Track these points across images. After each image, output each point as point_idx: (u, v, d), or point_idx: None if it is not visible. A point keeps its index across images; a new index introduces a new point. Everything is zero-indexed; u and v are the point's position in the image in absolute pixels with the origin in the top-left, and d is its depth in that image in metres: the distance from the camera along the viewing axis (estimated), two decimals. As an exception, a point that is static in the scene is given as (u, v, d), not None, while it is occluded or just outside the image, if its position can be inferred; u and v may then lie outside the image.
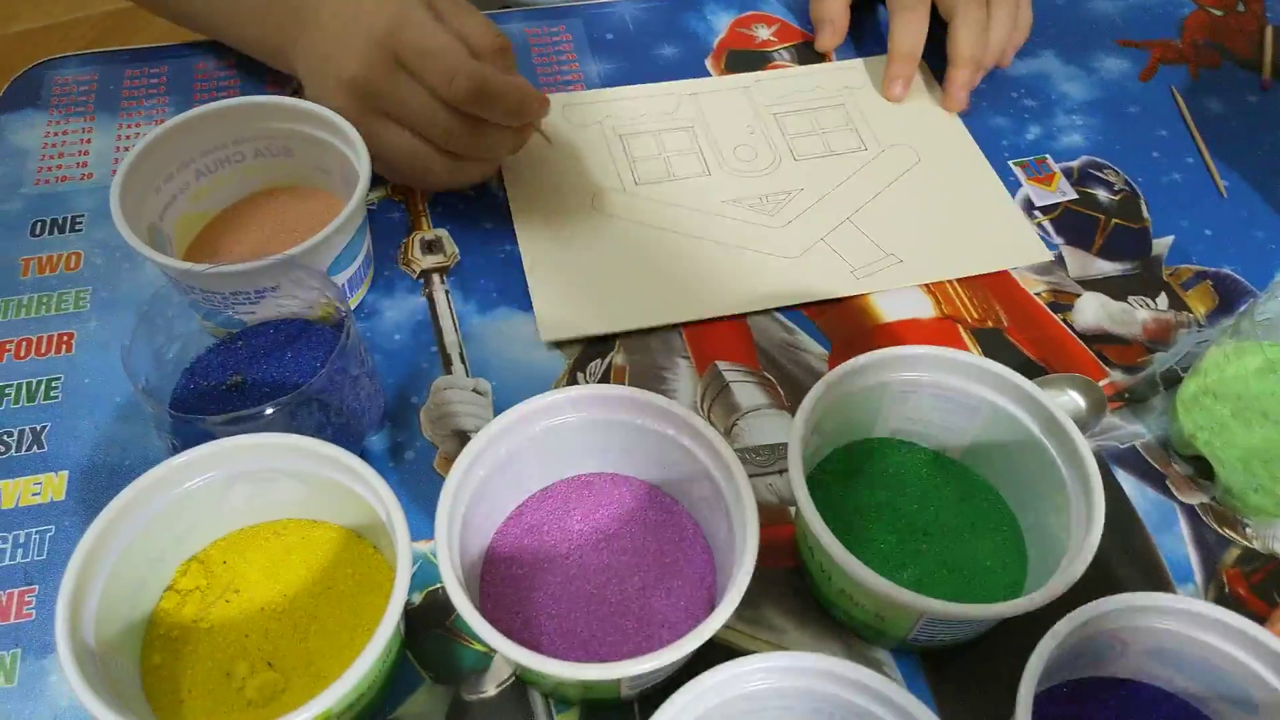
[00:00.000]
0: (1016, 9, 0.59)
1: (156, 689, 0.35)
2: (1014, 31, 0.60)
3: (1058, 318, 0.50)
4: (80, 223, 0.52)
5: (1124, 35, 0.64)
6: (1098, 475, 0.36)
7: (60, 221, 0.52)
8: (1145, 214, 0.55)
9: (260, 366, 0.43)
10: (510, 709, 0.38)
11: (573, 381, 0.47)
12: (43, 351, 0.47)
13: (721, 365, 0.48)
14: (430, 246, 0.52)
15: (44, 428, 0.44)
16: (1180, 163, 0.57)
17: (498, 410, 0.44)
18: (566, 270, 0.50)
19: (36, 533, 0.41)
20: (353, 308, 0.49)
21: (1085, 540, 0.35)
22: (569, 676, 0.32)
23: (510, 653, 0.32)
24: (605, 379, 0.47)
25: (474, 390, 0.46)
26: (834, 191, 0.55)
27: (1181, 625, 0.35)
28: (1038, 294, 0.51)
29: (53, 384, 0.46)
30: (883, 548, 0.40)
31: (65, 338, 0.47)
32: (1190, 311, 0.50)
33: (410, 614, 0.40)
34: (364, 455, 0.43)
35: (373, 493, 0.36)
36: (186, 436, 0.37)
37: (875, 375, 0.40)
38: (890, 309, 0.50)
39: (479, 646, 0.39)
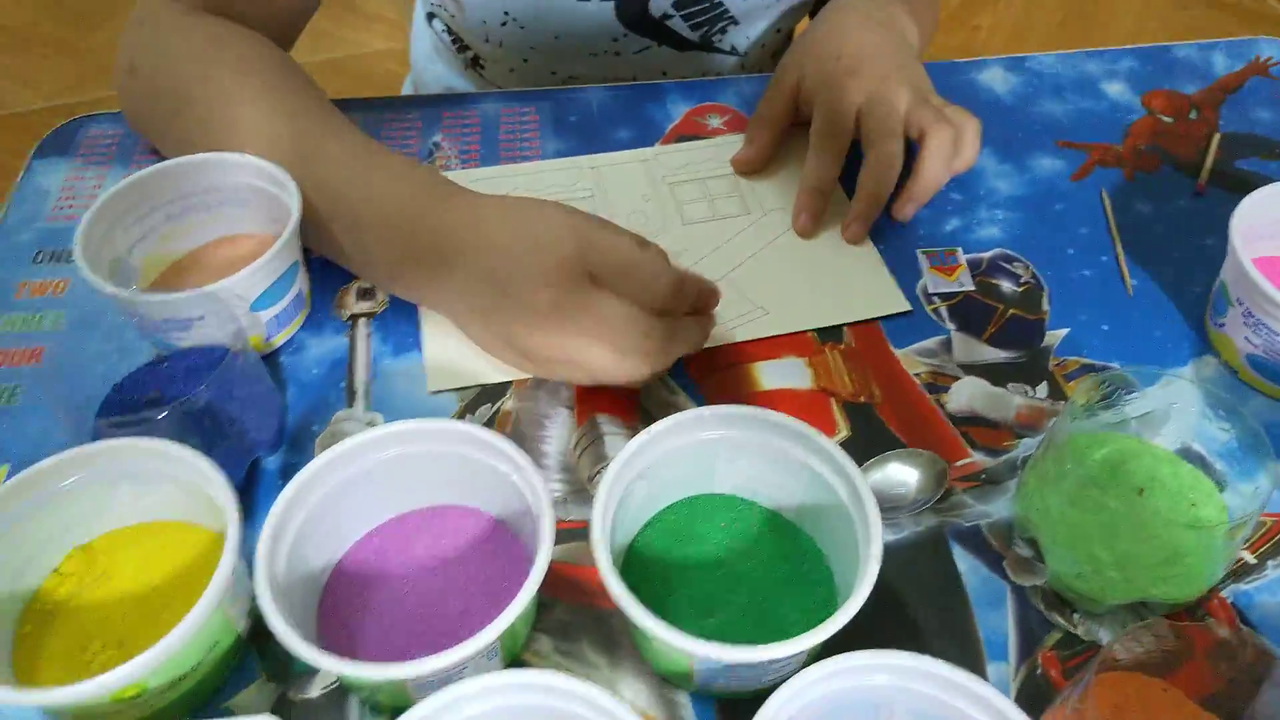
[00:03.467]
0: (945, 144, 0.58)
1: (21, 654, 0.40)
2: (953, 160, 0.59)
3: (931, 398, 0.52)
4: (73, 254, 0.59)
5: (1067, 137, 0.67)
6: (877, 542, 0.38)
7: (59, 253, 0.60)
8: (1045, 306, 0.56)
9: (177, 387, 0.49)
10: (329, 711, 0.41)
11: (457, 422, 0.51)
12: (14, 363, 0.54)
13: (601, 418, 0.51)
14: (365, 294, 0.57)
15: (-2, 427, 0.51)
16: (1093, 260, 0.59)
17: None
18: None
19: (-29, 514, 0.48)
20: (280, 343, 0.54)
21: (850, 601, 0.37)
22: (350, 675, 0.36)
23: (294, 646, 0.36)
24: (491, 423, 0.51)
25: (368, 424, 0.51)
26: (713, 253, 0.59)
27: (937, 690, 0.36)
28: (917, 374, 0.53)
29: (15, 391, 0.53)
30: (695, 594, 0.43)
31: (35, 352, 0.54)
32: (1067, 401, 0.51)
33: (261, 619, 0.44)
34: (255, 471, 0.48)
35: (218, 494, 0.40)
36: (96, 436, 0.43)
37: (695, 432, 0.43)
38: (770, 378, 0.53)
39: (316, 650, 0.43)
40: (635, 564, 0.44)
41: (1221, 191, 0.63)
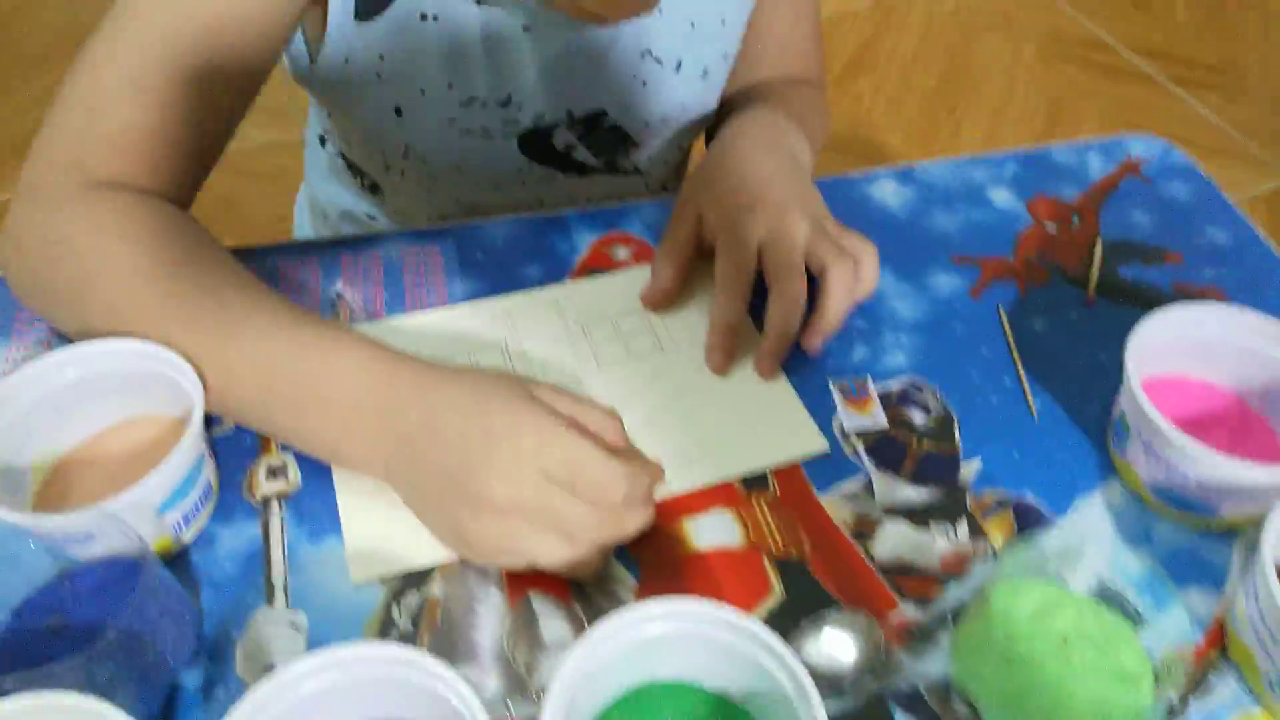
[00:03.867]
0: (846, 277, 0.59)
1: None
2: (852, 297, 0.60)
3: (859, 546, 0.53)
4: (-49, 450, 0.55)
5: (960, 250, 0.69)
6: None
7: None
8: (956, 438, 0.58)
9: (82, 609, 0.46)
10: None
11: (388, 622, 0.49)
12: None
13: (534, 596, 0.50)
14: (274, 473, 0.55)
15: (-121, 664, 0.47)
16: (998, 384, 0.61)
17: (312, 645, 0.47)
18: (381, 498, 0.53)
19: None
20: (189, 539, 0.52)
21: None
22: None
23: None
24: (419, 616, 0.49)
25: (291, 624, 0.49)
26: (632, 395, 0.59)
27: None
28: (844, 521, 0.54)
29: (-104, 617, 0.48)
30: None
31: (-84, 569, 0.50)
32: (988, 541, 0.53)
33: None
34: (175, 693, 0.46)
35: None
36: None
37: (639, 629, 0.43)
38: (702, 534, 0.53)
39: None
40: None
41: (1109, 303, 0.66)
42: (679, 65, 0.73)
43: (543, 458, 0.46)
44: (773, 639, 0.42)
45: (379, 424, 0.49)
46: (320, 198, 0.87)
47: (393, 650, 0.41)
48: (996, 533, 0.53)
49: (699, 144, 0.85)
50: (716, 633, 0.43)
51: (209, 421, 0.55)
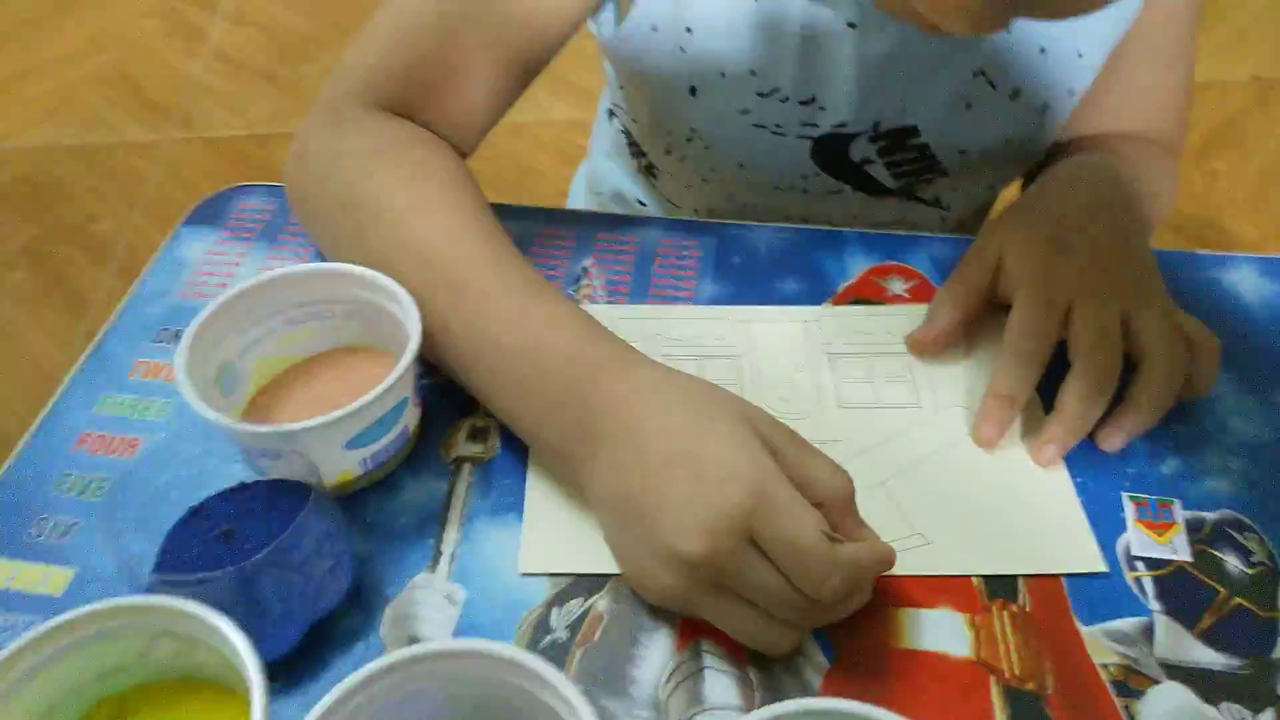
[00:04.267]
0: (1176, 367, 0.49)
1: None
2: (1180, 388, 0.50)
3: (1119, 704, 0.41)
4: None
5: (1331, 373, 0.55)
6: None
7: (181, 333, 0.57)
8: (1282, 600, 0.45)
9: (253, 524, 0.45)
10: None
11: (542, 624, 0.44)
12: (110, 451, 0.51)
13: (705, 646, 0.43)
14: (475, 435, 0.52)
15: (74, 524, 0.48)
16: (1353, 546, 0.47)
17: (463, 625, 0.43)
18: (571, 497, 0.48)
19: (24, 618, 0.44)
20: (371, 482, 0.49)
21: None
22: None
23: None
24: (579, 624, 0.44)
25: (446, 597, 0.45)
26: (871, 449, 0.50)
27: None
28: (1105, 665, 0.42)
29: (102, 483, 0.50)
30: None
31: (132, 443, 0.51)
32: (1305, 746, 0.40)
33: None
34: (316, 633, 0.43)
35: (248, 672, 0.35)
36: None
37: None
38: (920, 633, 0.44)
39: None
40: None
41: None
42: (1015, 93, 0.63)
43: (755, 521, 0.39)
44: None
45: (580, 417, 0.44)
46: (597, 173, 0.85)
47: (519, 656, 0.36)
48: (1319, 740, 0.40)
49: (1013, 189, 0.75)
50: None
51: (428, 369, 0.53)
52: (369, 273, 0.50)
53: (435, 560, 0.47)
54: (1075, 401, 0.49)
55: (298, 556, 0.41)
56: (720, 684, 0.42)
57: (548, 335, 0.46)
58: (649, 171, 0.77)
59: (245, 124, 1.80)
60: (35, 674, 0.37)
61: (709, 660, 0.43)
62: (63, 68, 1.95)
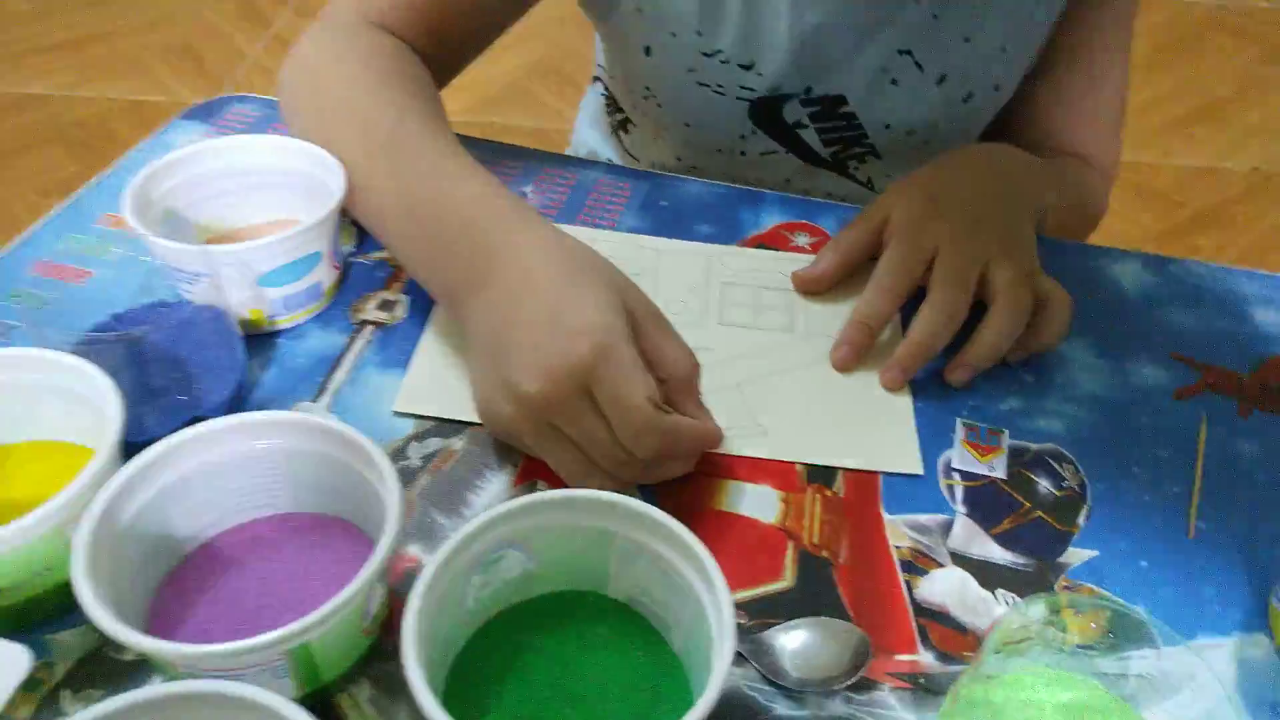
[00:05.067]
0: (1021, 312, 0.53)
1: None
2: (1026, 336, 0.54)
3: (902, 578, 0.45)
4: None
5: (1184, 351, 0.58)
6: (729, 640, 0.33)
7: (150, 198, 0.64)
8: (1079, 522, 0.48)
9: (162, 332, 0.50)
10: (135, 677, 0.39)
11: (400, 452, 0.49)
12: (61, 277, 0.57)
13: (539, 485, 0.48)
14: (385, 305, 0.57)
15: (15, 326, 0.54)
16: (1160, 489, 0.50)
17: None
18: (458, 354, 0.53)
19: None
20: (283, 325, 0.55)
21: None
22: (121, 639, 0.34)
23: (78, 587, 0.34)
24: (432, 457, 0.49)
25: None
26: (735, 358, 0.55)
27: None
28: (898, 547, 0.46)
29: (47, 300, 0.56)
30: (527, 701, 0.38)
31: (82, 273, 0.58)
32: (1062, 633, 0.43)
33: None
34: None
35: (108, 408, 0.40)
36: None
37: (592, 517, 0.39)
38: (737, 501, 0.48)
39: (154, 616, 0.41)
40: (479, 646, 0.40)
41: (1356, 460, 0.52)
42: (941, 79, 0.69)
43: (593, 376, 0.43)
44: (714, 569, 0.36)
45: (471, 260, 0.48)
46: (578, 140, 0.91)
47: (336, 426, 0.41)
48: (1075, 629, 0.43)
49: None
50: (666, 552, 0.38)
51: (363, 246, 0.59)
52: (297, 143, 0.56)
53: (319, 393, 0.52)
54: (921, 330, 0.53)
55: (187, 344, 0.46)
56: (545, 517, 0.46)
57: (459, 186, 0.51)
58: (622, 127, 0.83)
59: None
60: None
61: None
62: (136, 34, 2.10)
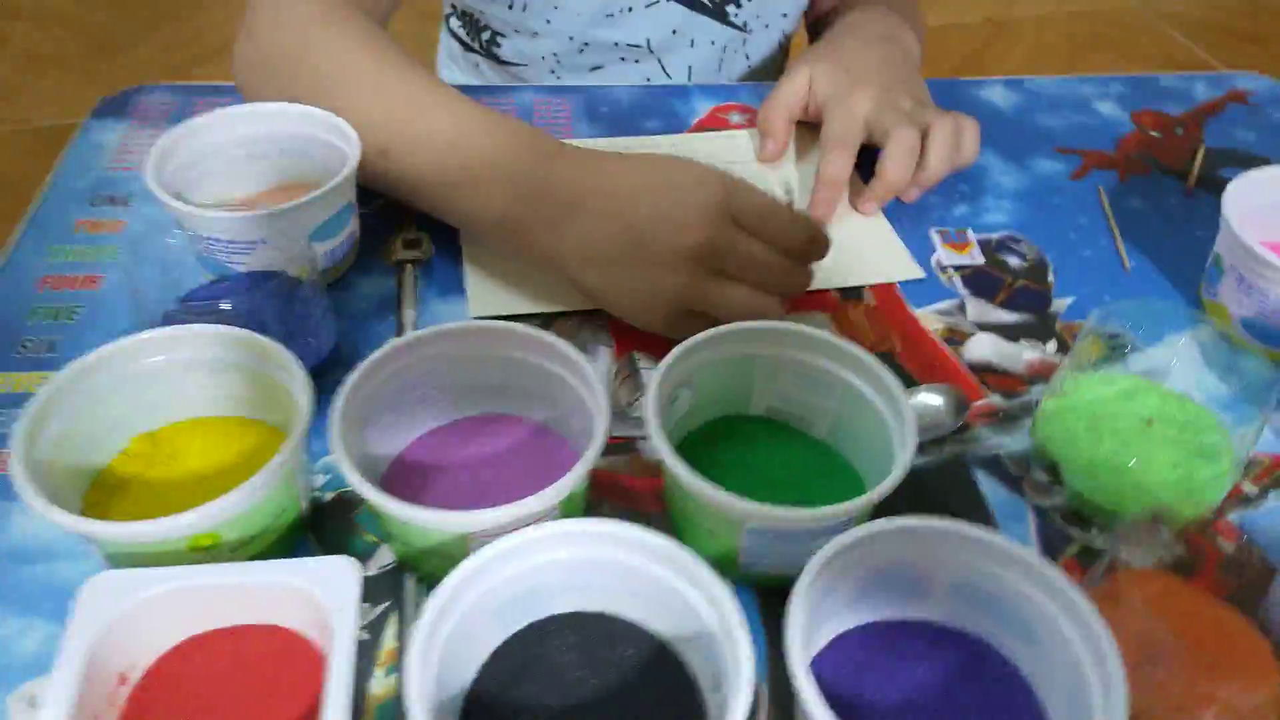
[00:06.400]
0: (956, 136, 0.64)
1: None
2: (954, 156, 0.64)
3: (948, 349, 0.55)
4: (131, 200, 0.62)
5: (1063, 145, 0.72)
6: (911, 427, 0.41)
7: (116, 197, 0.62)
8: (1050, 279, 0.60)
9: (241, 300, 0.51)
10: (385, 589, 0.43)
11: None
12: (75, 286, 0.56)
13: (637, 354, 0.54)
14: (411, 244, 0.60)
15: (57, 339, 0.53)
16: (1093, 243, 0.63)
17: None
18: (502, 261, 0.58)
19: (30, 412, 0.49)
20: (334, 277, 0.57)
21: (890, 475, 0.40)
22: (410, 519, 0.38)
23: (364, 491, 0.38)
24: (533, 354, 0.53)
25: (417, 349, 0.53)
26: None
27: (972, 556, 0.38)
28: (935, 329, 0.56)
29: (75, 310, 0.55)
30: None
31: (93, 279, 0.57)
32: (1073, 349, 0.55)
33: (322, 508, 0.46)
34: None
35: (295, 374, 0.42)
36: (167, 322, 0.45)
37: (741, 346, 0.46)
38: (798, 328, 0.56)
39: (370, 538, 0.45)
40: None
41: (1208, 195, 0.68)
42: None
43: (733, 203, 0.49)
44: (864, 354, 0.44)
45: (551, 198, 0.52)
46: (445, 78, 0.93)
47: (520, 329, 0.45)
48: (1084, 353, 0.55)
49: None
50: (808, 357, 0.46)
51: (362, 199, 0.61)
52: (302, 108, 0.58)
53: (400, 330, 0.55)
54: (891, 166, 0.62)
55: (296, 306, 0.48)
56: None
57: (508, 137, 0.54)
58: (490, 47, 0.85)
59: (60, 113, 1.78)
60: (81, 407, 0.42)
61: (641, 363, 0.53)
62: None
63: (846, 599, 0.39)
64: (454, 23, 0.88)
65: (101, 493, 0.43)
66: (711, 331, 0.45)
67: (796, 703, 0.34)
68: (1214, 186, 0.68)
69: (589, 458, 0.40)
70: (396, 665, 0.40)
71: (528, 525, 0.38)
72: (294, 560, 0.37)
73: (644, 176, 0.51)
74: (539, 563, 0.38)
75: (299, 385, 0.42)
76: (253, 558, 0.41)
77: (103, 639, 0.35)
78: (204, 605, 0.37)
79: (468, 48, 0.87)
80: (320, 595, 0.36)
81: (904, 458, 0.40)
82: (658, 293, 0.51)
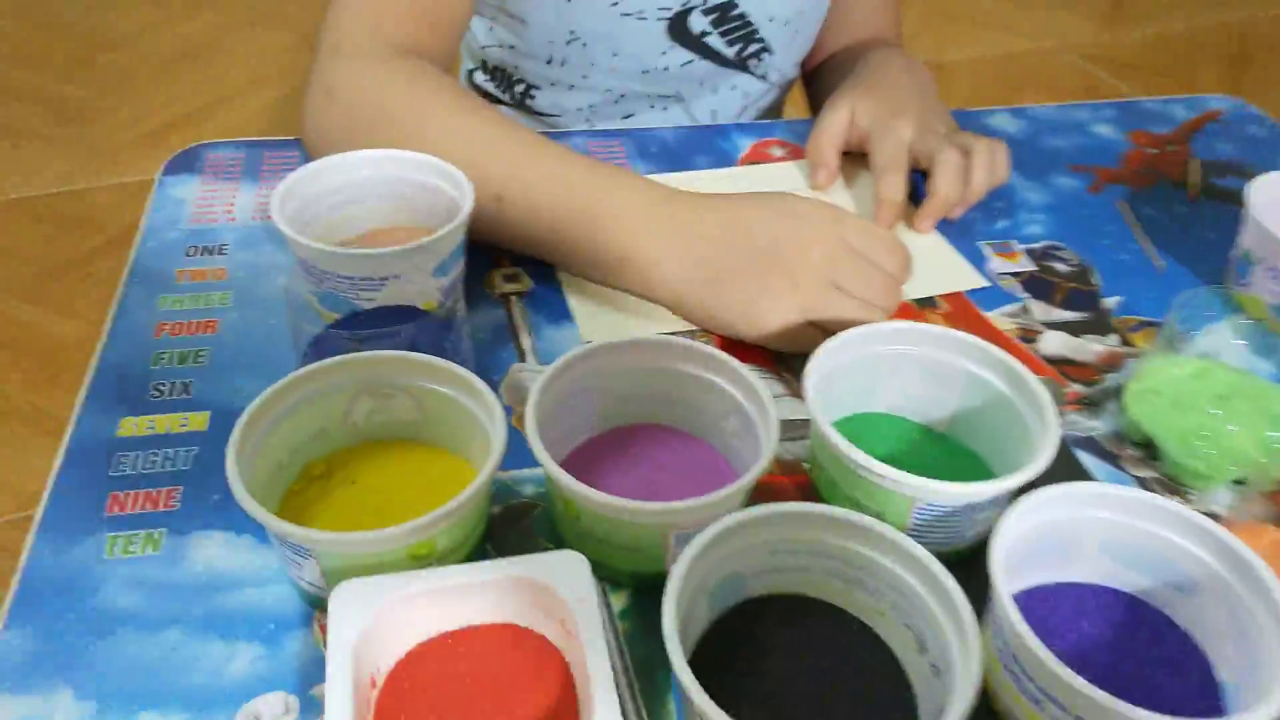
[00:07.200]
0: (992, 157, 0.71)
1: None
2: (991, 176, 0.71)
3: (1025, 346, 0.60)
4: (226, 249, 0.64)
5: (1075, 163, 0.79)
6: (1051, 403, 0.46)
7: (210, 248, 0.64)
8: (1095, 281, 0.66)
9: (383, 340, 0.54)
10: (572, 591, 0.45)
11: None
12: (192, 331, 0.57)
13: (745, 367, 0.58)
14: (510, 278, 0.63)
15: (190, 381, 0.54)
16: (1126, 248, 0.70)
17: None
18: (609, 297, 0.62)
19: (183, 450, 0.50)
20: (451, 311, 0.59)
21: (1046, 441, 0.44)
22: (624, 509, 0.41)
23: (561, 477, 0.41)
24: (651, 371, 0.57)
25: (537, 371, 0.56)
26: None
27: (1126, 515, 0.43)
28: (1008, 330, 0.62)
29: (200, 353, 0.56)
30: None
31: (210, 323, 0.58)
32: (1134, 346, 0.61)
33: (492, 520, 0.48)
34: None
35: (477, 396, 0.45)
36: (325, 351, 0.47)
37: (867, 346, 0.50)
38: (886, 335, 0.60)
39: (545, 543, 0.47)
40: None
41: (1210, 201, 0.75)
42: None
43: (843, 229, 0.56)
44: (984, 343, 0.49)
45: (674, 228, 0.57)
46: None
47: (658, 339, 0.48)
48: (1142, 342, 0.61)
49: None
50: (930, 351, 0.50)
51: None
52: (411, 154, 0.60)
53: (521, 356, 0.58)
54: (944, 186, 0.68)
55: (451, 335, 0.51)
56: (767, 384, 0.56)
57: (623, 179, 0.59)
58: (524, 99, 0.90)
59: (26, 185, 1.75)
60: (262, 438, 0.44)
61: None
62: None
63: (1009, 564, 0.43)
64: (479, 76, 0.92)
65: (287, 518, 0.44)
66: (840, 336, 0.50)
67: (1010, 665, 0.38)
68: (1213, 194, 0.76)
69: (771, 444, 0.43)
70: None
71: (722, 515, 0.41)
72: (523, 557, 0.40)
73: (760, 207, 0.57)
74: (742, 546, 0.41)
75: (488, 407, 0.44)
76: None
77: (359, 643, 0.37)
78: (441, 608, 0.39)
79: (497, 100, 0.91)
80: (558, 588, 0.38)
81: (1052, 435, 0.44)
82: (778, 306, 0.55)
